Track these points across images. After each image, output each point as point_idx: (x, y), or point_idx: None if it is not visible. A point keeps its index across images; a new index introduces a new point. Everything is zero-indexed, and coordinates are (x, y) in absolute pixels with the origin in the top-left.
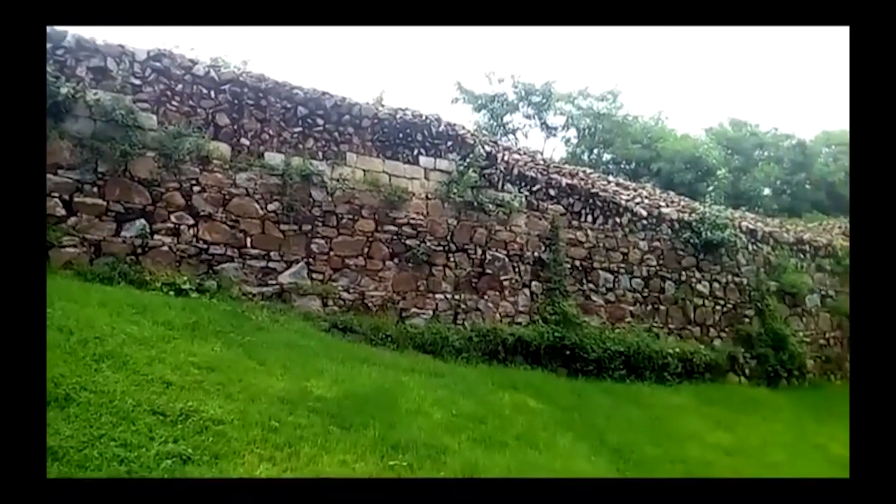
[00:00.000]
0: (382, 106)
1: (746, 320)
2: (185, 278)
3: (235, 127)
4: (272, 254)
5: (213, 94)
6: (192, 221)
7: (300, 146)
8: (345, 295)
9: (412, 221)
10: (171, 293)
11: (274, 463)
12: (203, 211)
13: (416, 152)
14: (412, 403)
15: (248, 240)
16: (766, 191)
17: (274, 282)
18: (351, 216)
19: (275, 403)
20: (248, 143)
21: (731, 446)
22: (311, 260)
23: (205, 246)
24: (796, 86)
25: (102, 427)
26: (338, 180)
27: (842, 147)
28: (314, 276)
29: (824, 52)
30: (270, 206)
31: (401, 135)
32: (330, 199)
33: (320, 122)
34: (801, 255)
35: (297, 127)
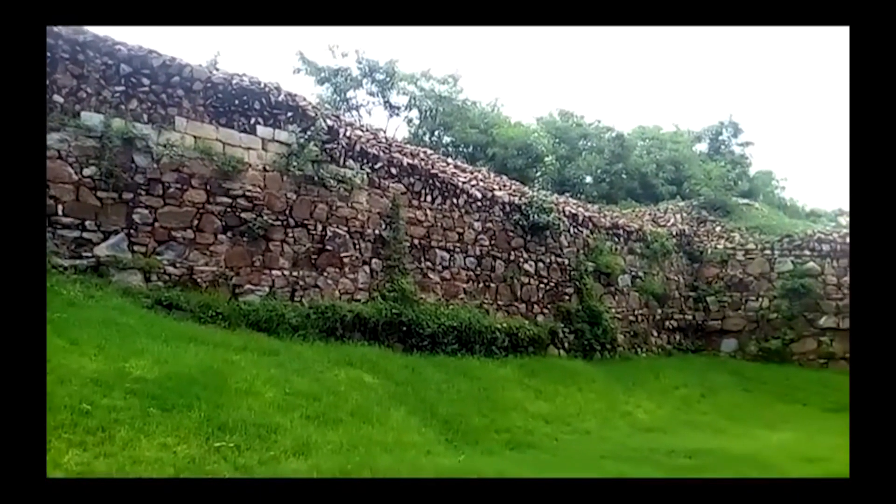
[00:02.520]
0: (217, 69)
1: (566, 298)
2: None
3: (47, 82)
4: (87, 223)
5: None
6: None
7: (122, 107)
8: (171, 269)
9: (248, 193)
10: None
11: (85, 448)
12: None
13: (253, 121)
14: (242, 383)
15: (60, 207)
16: (588, 178)
17: (89, 254)
18: (179, 185)
19: (87, 385)
20: (61, 100)
21: (550, 415)
22: (132, 231)
23: None
24: (618, 81)
25: None
26: (165, 146)
27: (654, 141)
28: (136, 248)
29: (646, 50)
30: (86, 171)
31: (237, 101)
32: (155, 165)
33: (146, 82)
34: (616, 239)
35: (119, 86)
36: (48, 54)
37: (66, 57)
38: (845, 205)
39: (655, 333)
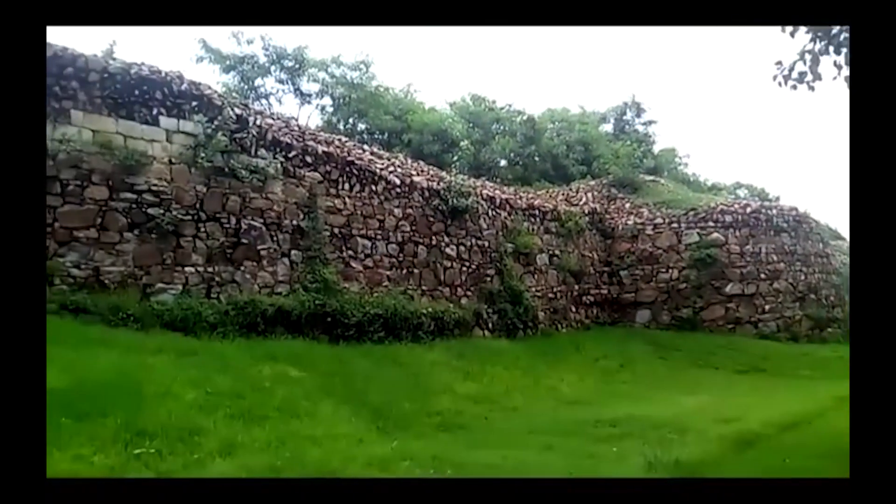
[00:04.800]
0: (114, 59)
1: (488, 279)
2: None
3: None
4: None
5: None
6: None
7: None
8: (75, 272)
9: (154, 188)
10: None
11: None
12: None
13: (155, 112)
14: (160, 386)
15: None
16: (503, 162)
17: None
18: (79, 182)
19: None
20: None
21: (479, 395)
22: None
23: None
24: (526, 64)
25: None
26: (61, 141)
27: (563, 124)
28: None
29: (549, 31)
30: None
31: (137, 92)
32: (52, 162)
33: None
34: (532, 220)
35: None
36: None
37: None
38: (743, 178)
39: (574, 309)
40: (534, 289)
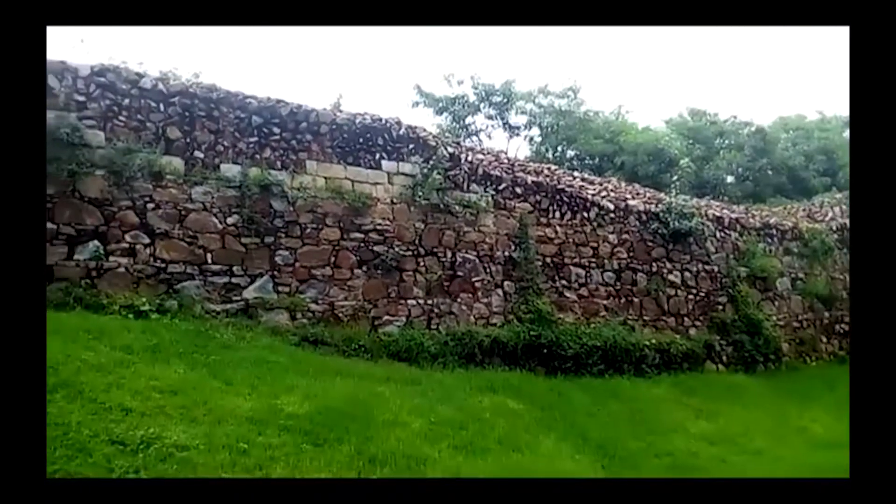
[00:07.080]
0: (340, 111)
1: (720, 307)
2: (144, 299)
3: (188, 140)
4: (234, 268)
5: (162, 106)
6: (147, 240)
7: (257, 156)
8: (313, 306)
9: (378, 227)
10: (130, 316)
11: None
12: (159, 228)
13: (377, 157)
14: (389, 414)
15: (209, 256)
16: (730, 178)
17: (238, 297)
18: (315, 225)
19: (243, 424)
20: (202, 155)
21: (715, 435)
22: (275, 273)
23: (163, 265)
24: (751, 74)
25: (57, 462)
26: (298, 189)
27: (799, 132)
28: (280, 289)
29: (775, 39)
30: (230, 220)
31: (361, 140)
32: (292, 208)
33: (277, 130)
34: (769, 240)
35: (252, 137)
36: (186, 114)
37: (203, 115)
38: None
39: (825, 339)
40: (774, 317)
